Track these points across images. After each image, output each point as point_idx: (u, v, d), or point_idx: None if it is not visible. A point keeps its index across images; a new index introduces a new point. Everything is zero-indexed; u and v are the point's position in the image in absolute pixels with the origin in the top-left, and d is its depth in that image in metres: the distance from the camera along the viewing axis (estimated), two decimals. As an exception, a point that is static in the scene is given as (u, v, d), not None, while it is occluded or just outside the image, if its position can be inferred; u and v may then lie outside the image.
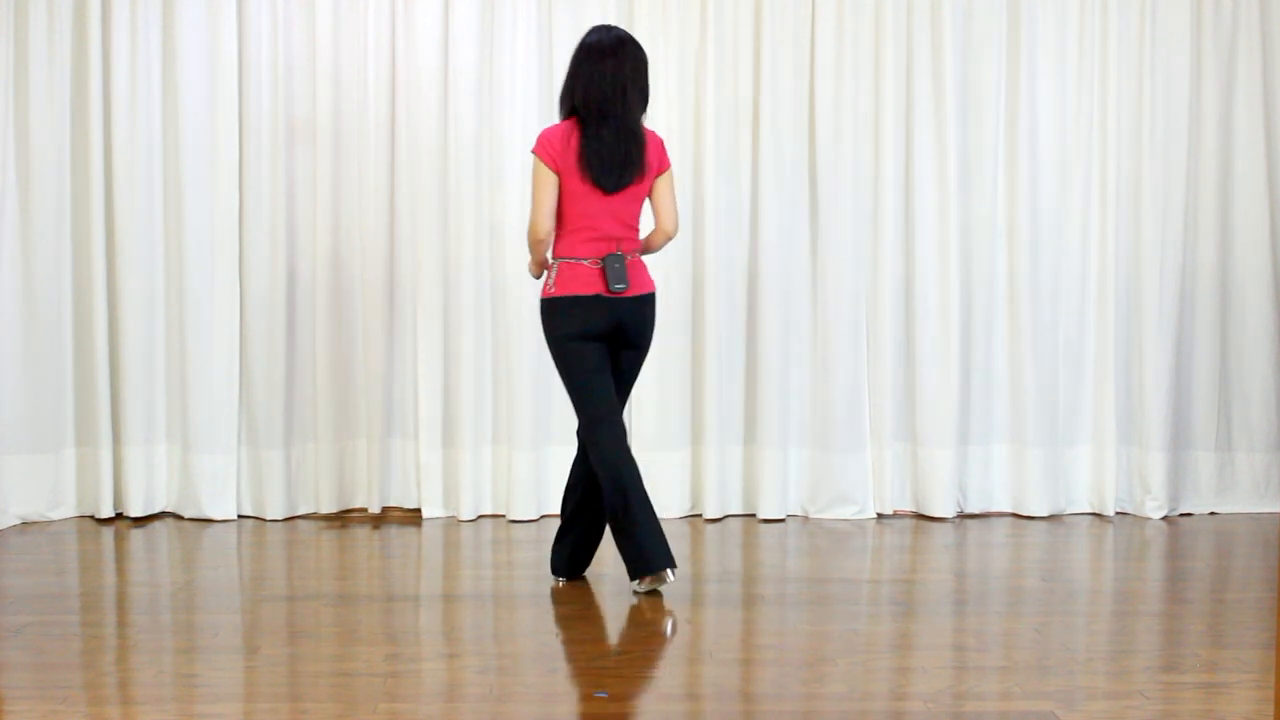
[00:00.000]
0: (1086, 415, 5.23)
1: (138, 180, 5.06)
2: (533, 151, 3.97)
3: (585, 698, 3.09)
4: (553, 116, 4.86)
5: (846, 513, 5.17)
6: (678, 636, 3.63)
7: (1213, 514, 5.27)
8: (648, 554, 3.87)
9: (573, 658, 3.43)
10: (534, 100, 5.07)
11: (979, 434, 5.23)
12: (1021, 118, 5.17)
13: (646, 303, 3.99)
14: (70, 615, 3.79)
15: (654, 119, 5.06)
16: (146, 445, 5.11)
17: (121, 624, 3.79)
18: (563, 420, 5.11)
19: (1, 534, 4.87)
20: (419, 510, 5.21)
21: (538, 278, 4.12)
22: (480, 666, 3.32)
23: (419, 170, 5.12)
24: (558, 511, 5.15)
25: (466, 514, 5.12)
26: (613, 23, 5.05)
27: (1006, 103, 5.17)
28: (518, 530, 4.96)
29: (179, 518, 5.15)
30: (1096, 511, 5.23)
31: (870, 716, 2.96)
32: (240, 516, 5.16)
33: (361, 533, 4.94)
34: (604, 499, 3.93)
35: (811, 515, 5.19)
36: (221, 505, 5.12)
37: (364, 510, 5.21)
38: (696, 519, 5.16)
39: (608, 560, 4.41)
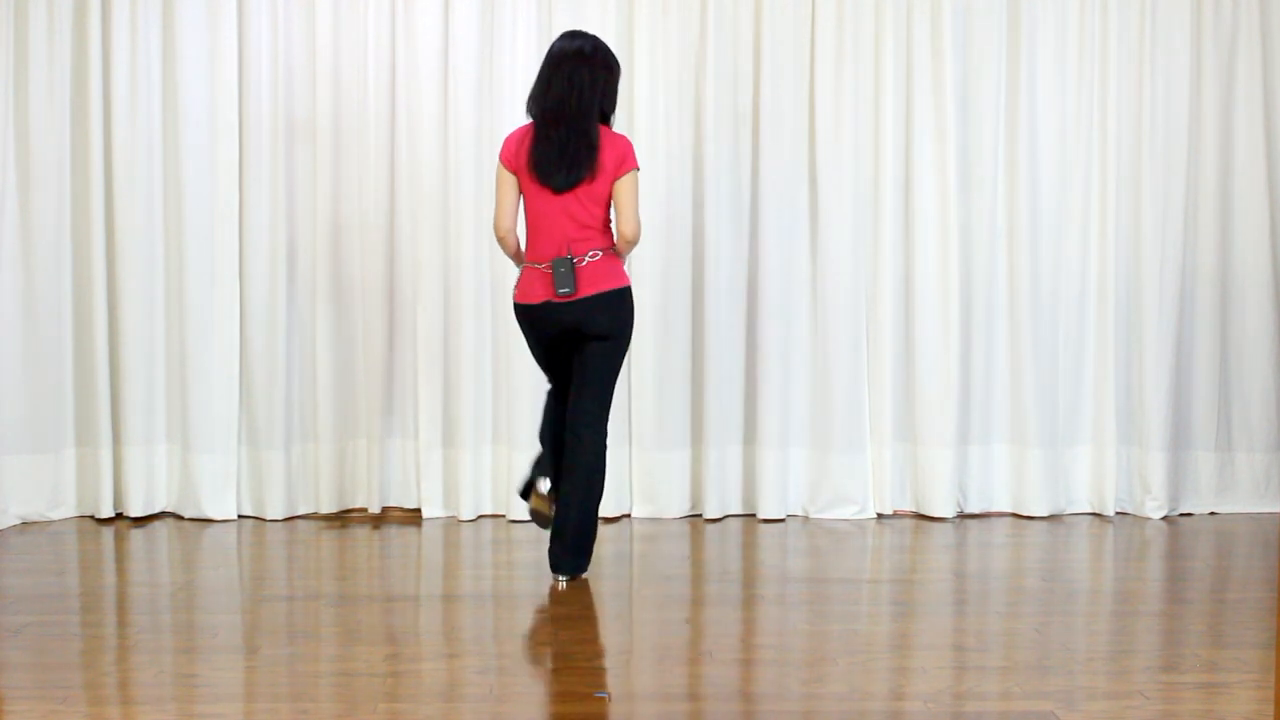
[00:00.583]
0: (1086, 415, 5.24)
1: (138, 180, 5.06)
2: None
3: (585, 698, 3.09)
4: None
5: (846, 513, 5.17)
6: (678, 636, 3.63)
7: (1213, 514, 5.27)
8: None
9: (573, 658, 3.43)
10: (534, 100, 5.07)
11: (979, 434, 5.23)
12: (1021, 118, 5.17)
13: (600, 302, 4.03)
14: (70, 615, 3.79)
15: (655, 119, 5.08)
16: (146, 445, 5.11)
17: (121, 624, 3.79)
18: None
19: (1, 534, 4.87)
20: (419, 510, 5.21)
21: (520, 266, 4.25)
22: (480, 667, 3.32)
23: (419, 170, 5.12)
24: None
25: (466, 514, 5.12)
26: (612, 22, 5.06)
27: (1006, 103, 5.17)
28: (518, 530, 4.96)
29: (179, 518, 5.15)
30: (1096, 511, 5.24)
31: (870, 716, 2.96)
32: (240, 516, 5.16)
33: (361, 533, 4.94)
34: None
35: (811, 515, 5.19)
36: (221, 505, 5.12)
37: (364, 510, 5.21)
38: (696, 519, 5.16)
39: (607, 561, 4.42)
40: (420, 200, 5.12)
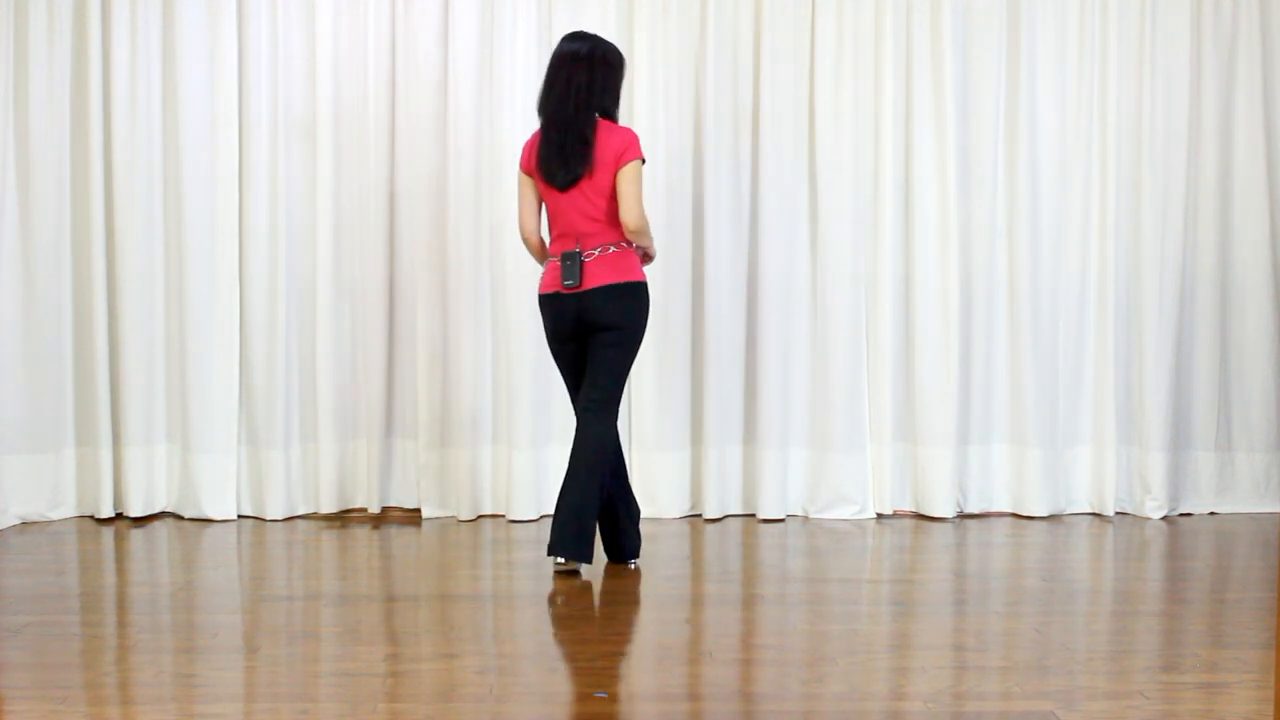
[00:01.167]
0: (1086, 415, 5.24)
1: (138, 180, 5.06)
2: None
3: (585, 698, 3.09)
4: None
5: (846, 513, 5.17)
6: (678, 636, 3.63)
7: (1213, 514, 5.27)
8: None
9: (573, 658, 3.42)
10: (534, 100, 5.06)
11: (979, 434, 5.23)
12: (1021, 118, 5.17)
13: (604, 294, 4.15)
14: (70, 615, 3.79)
15: (655, 119, 5.08)
16: (146, 445, 5.11)
17: (121, 624, 3.79)
18: (562, 420, 5.12)
19: (1, 534, 4.87)
20: (419, 510, 5.21)
21: None
22: (480, 666, 3.31)
23: (419, 170, 5.13)
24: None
25: (466, 514, 5.12)
26: (612, 22, 5.06)
27: (1006, 103, 5.17)
28: (518, 530, 4.96)
29: (179, 518, 5.15)
30: (1096, 511, 5.24)
31: (870, 716, 2.96)
32: (240, 516, 5.16)
33: (361, 533, 4.94)
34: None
35: (811, 515, 5.19)
36: (221, 505, 5.12)
37: (364, 510, 5.21)
38: (696, 519, 5.16)
39: (607, 561, 4.42)
40: (420, 200, 5.12)
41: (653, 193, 4.99)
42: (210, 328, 5.10)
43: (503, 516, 5.15)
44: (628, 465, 5.17)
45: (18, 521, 5.02)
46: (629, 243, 4.20)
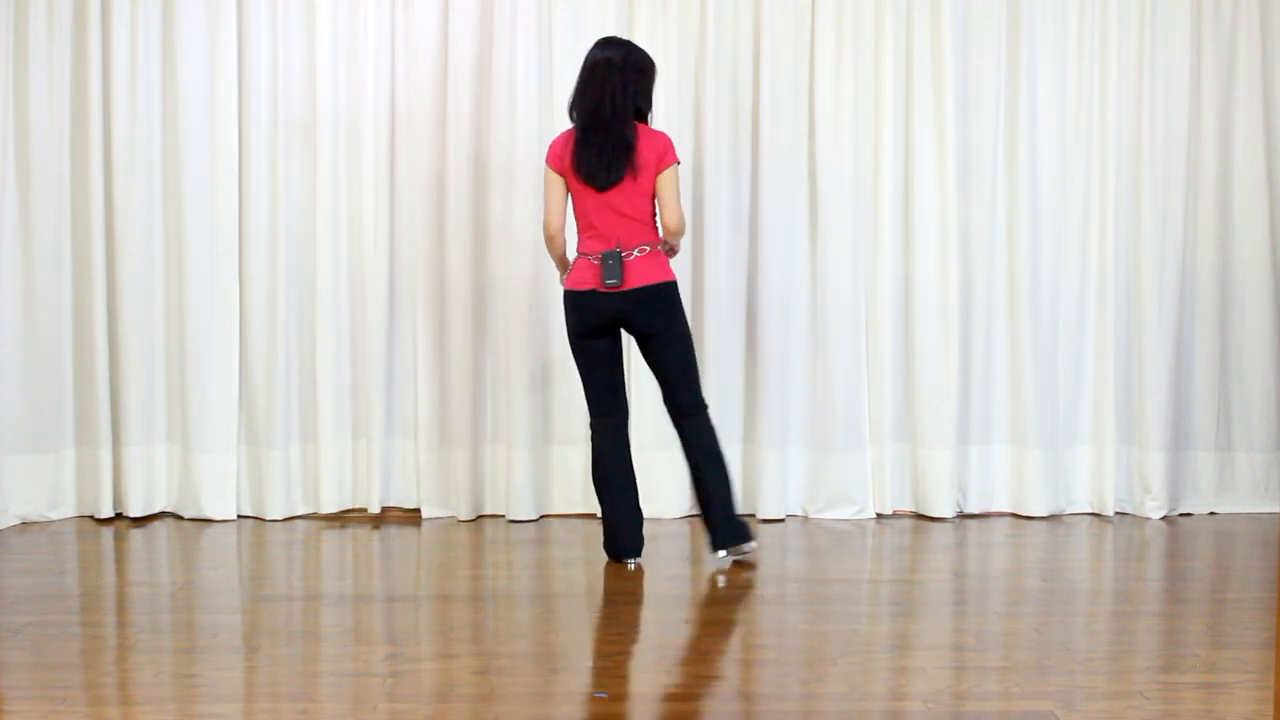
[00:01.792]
0: (1086, 415, 5.23)
1: (138, 180, 5.06)
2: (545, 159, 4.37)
3: (585, 698, 3.09)
4: (552, 116, 5.05)
5: (846, 513, 5.17)
6: (678, 637, 3.63)
7: (1212, 514, 5.27)
8: (617, 544, 4.37)
9: (573, 658, 3.43)
10: (534, 100, 5.06)
11: (979, 434, 5.23)
12: (1021, 118, 5.17)
13: (647, 295, 4.24)
14: (70, 615, 3.79)
15: (654, 119, 5.07)
16: (146, 445, 5.10)
17: (121, 624, 3.79)
18: (562, 420, 5.12)
19: (1, 534, 4.87)
20: (419, 510, 5.21)
21: (562, 274, 4.42)
22: (479, 667, 3.32)
23: (418, 170, 5.12)
24: (557, 511, 5.19)
25: (466, 514, 5.12)
26: (612, 22, 5.06)
27: (1006, 103, 5.17)
28: (517, 530, 4.96)
29: (179, 518, 5.15)
30: (1096, 511, 5.23)
31: (870, 716, 2.96)
32: (240, 516, 5.16)
33: (361, 533, 4.94)
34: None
35: (811, 515, 5.19)
36: (221, 505, 5.12)
37: (364, 510, 5.21)
38: (696, 519, 5.15)
39: (607, 561, 4.41)
40: (419, 200, 5.12)
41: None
42: (210, 328, 5.10)
43: (503, 516, 5.15)
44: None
45: (17, 521, 5.02)
46: (660, 244, 4.30)
